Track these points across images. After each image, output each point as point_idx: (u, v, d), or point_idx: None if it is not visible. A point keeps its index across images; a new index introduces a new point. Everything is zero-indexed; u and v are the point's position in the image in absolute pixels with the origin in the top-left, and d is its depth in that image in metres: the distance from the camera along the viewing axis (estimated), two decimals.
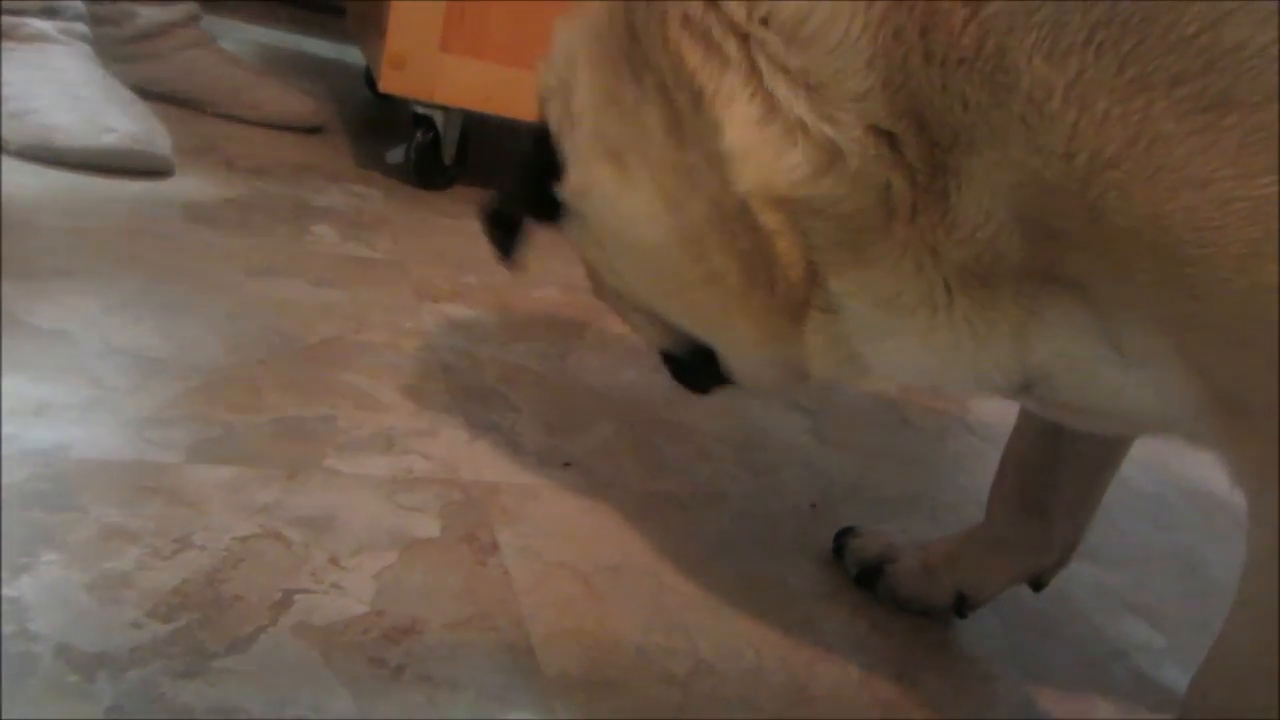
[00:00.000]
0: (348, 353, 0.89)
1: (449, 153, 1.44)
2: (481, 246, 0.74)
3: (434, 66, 1.34)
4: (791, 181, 0.47)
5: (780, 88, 0.46)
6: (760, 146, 0.47)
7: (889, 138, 0.45)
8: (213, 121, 1.47)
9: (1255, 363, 0.39)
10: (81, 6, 1.27)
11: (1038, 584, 0.75)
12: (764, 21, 0.46)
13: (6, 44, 1.18)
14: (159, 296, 0.89)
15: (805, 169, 0.47)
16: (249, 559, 0.59)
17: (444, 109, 1.40)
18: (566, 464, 0.81)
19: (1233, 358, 0.41)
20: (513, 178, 0.71)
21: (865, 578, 0.76)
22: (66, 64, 1.20)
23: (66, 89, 1.16)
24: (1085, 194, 0.40)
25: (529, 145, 0.66)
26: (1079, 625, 0.81)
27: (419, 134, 1.41)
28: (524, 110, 1.30)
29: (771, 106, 0.47)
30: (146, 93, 1.34)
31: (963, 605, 0.74)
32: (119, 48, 1.43)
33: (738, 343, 0.59)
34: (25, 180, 1.06)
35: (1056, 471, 0.69)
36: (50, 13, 1.22)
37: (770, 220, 0.49)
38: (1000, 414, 0.75)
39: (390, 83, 1.34)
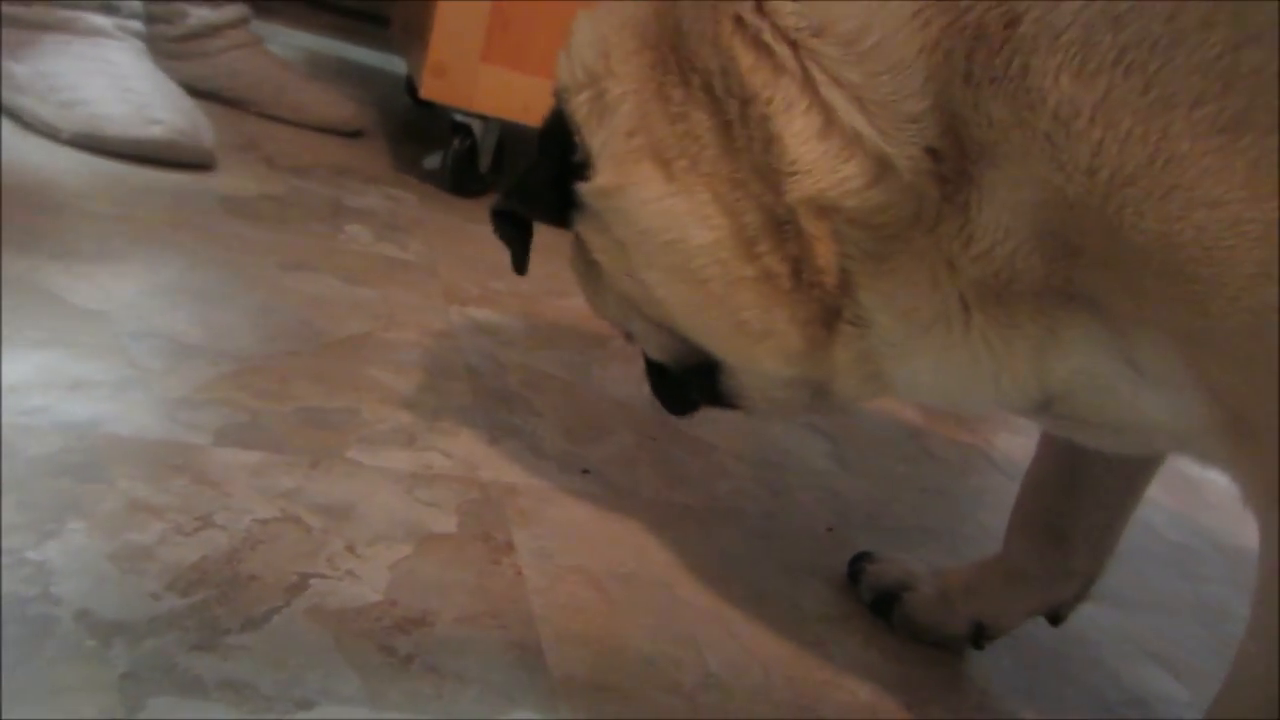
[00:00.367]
0: (375, 349, 0.89)
1: (485, 161, 1.46)
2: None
3: (474, 76, 1.36)
4: (843, 192, 0.47)
5: (837, 100, 0.46)
6: (820, 159, 0.48)
7: (934, 153, 0.46)
8: (256, 120, 1.50)
9: (1262, 382, 0.40)
10: (138, 5, 1.30)
11: (1056, 617, 0.74)
12: (817, 33, 0.47)
13: (64, 36, 1.21)
14: (196, 284, 0.90)
15: (858, 180, 0.47)
16: (268, 541, 0.60)
17: (482, 118, 1.42)
18: (585, 471, 0.82)
19: (1241, 377, 0.41)
20: (521, 175, 0.68)
21: (880, 604, 0.75)
22: (119, 58, 1.23)
23: (118, 81, 1.19)
24: (1104, 210, 0.40)
25: (539, 142, 0.64)
26: (1097, 670, 0.79)
27: (456, 141, 1.43)
28: None
29: (830, 119, 0.47)
30: (194, 90, 1.37)
31: (980, 636, 0.73)
32: (170, 45, 1.46)
33: (761, 357, 0.58)
34: (74, 167, 1.09)
35: (1077, 501, 0.69)
36: (109, 9, 1.26)
37: (813, 226, 0.50)
38: (1025, 450, 0.74)
39: (431, 90, 1.36)
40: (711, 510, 0.83)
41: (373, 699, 0.51)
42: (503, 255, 0.75)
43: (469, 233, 1.30)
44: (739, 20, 0.49)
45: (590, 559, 0.70)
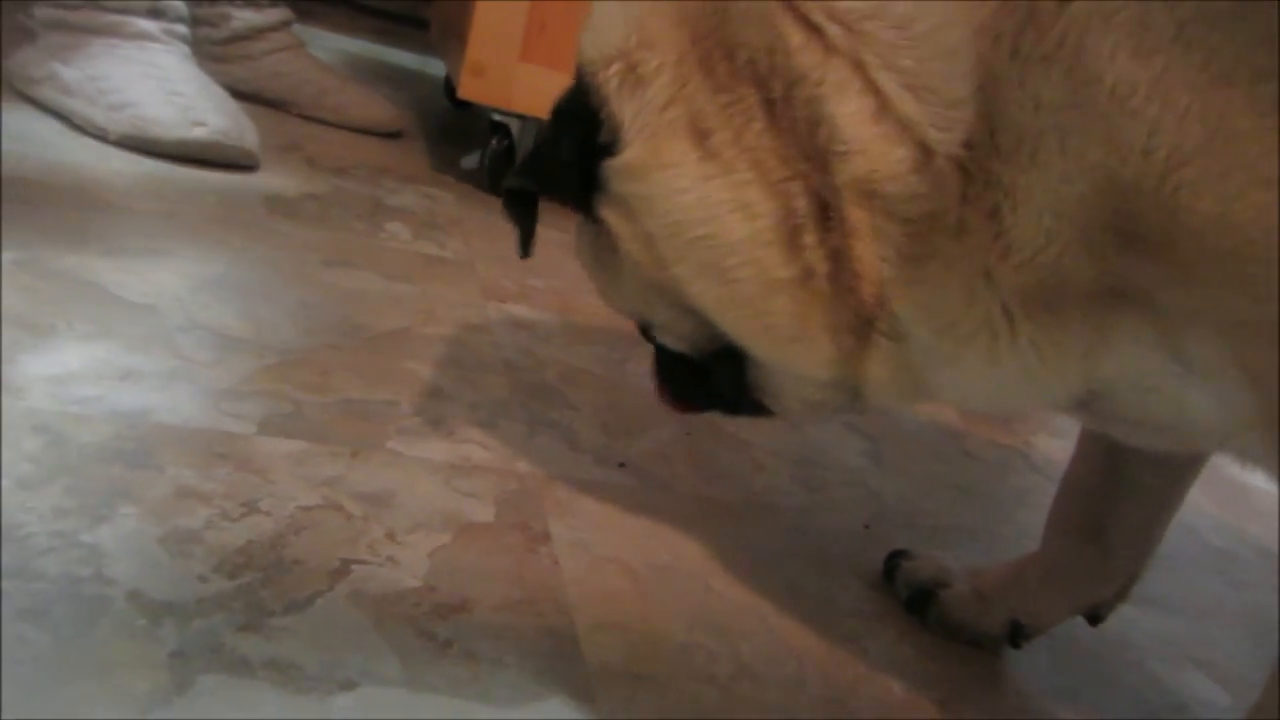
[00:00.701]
0: (414, 344, 0.91)
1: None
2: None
3: (512, 75, 1.38)
4: (892, 175, 0.46)
5: (890, 85, 0.45)
6: (873, 141, 0.46)
7: (968, 146, 0.45)
8: (298, 122, 1.53)
9: None
10: (184, 8, 1.33)
11: (1095, 617, 0.73)
12: (870, 16, 0.46)
13: (111, 40, 1.24)
14: (240, 280, 0.92)
15: (906, 165, 0.46)
16: (311, 527, 0.61)
17: (520, 117, 1.43)
18: (621, 464, 0.82)
19: None
20: (536, 150, 0.63)
21: (916, 602, 0.75)
22: (165, 61, 1.26)
23: (164, 84, 1.22)
24: (1160, 192, 0.39)
25: (553, 119, 0.60)
26: (1138, 673, 0.78)
27: (494, 141, 1.45)
28: None
29: (883, 104, 0.46)
30: (238, 92, 1.40)
31: (1017, 635, 0.72)
32: (214, 48, 1.49)
33: (793, 358, 0.55)
34: (122, 167, 1.11)
35: (1117, 499, 0.68)
36: (155, 13, 1.29)
37: (856, 215, 0.48)
38: (1064, 452, 0.73)
39: (469, 89, 1.38)
40: (747, 505, 0.83)
41: (412, 681, 0.52)
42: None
43: (506, 231, 1.30)
44: None
45: (626, 550, 0.71)
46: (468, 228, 1.28)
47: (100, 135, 1.17)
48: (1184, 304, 0.43)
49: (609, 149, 0.54)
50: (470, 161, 1.59)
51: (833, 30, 0.47)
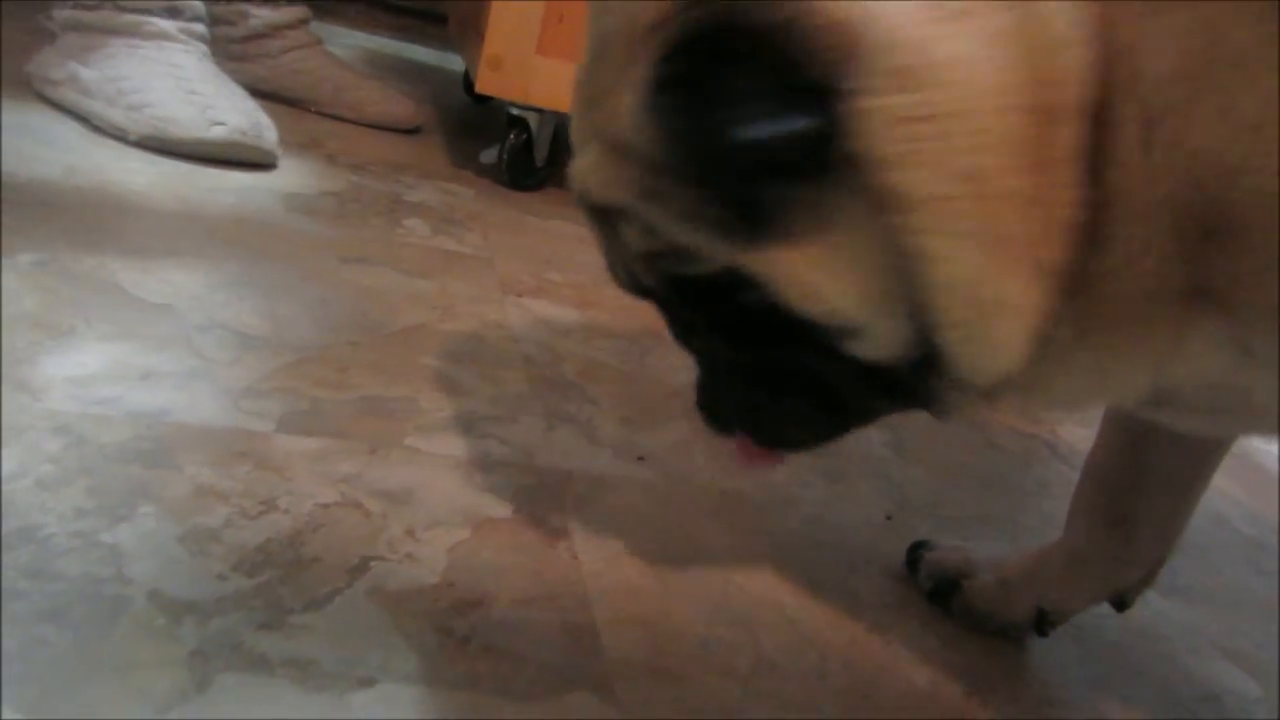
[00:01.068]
0: (432, 339, 0.91)
1: (541, 154, 1.47)
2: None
3: (530, 68, 1.37)
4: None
5: None
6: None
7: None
8: (316, 120, 1.53)
9: None
10: (201, 7, 1.34)
11: (1121, 603, 0.72)
12: None
13: (130, 41, 1.25)
14: (258, 278, 0.93)
15: None
16: (329, 525, 0.61)
17: (538, 111, 1.43)
18: (640, 458, 0.82)
19: None
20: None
21: (939, 592, 0.74)
22: (184, 61, 1.27)
23: (182, 84, 1.23)
24: (1264, 171, 0.37)
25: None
26: (1166, 664, 0.77)
27: (513, 135, 1.44)
28: None
29: None
30: (256, 90, 1.40)
31: (1043, 623, 0.71)
32: (233, 47, 1.50)
33: (992, 333, 0.44)
34: (141, 167, 1.12)
35: (1141, 483, 0.67)
36: (173, 12, 1.29)
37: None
38: (1089, 441, 0.72)
39: (487, 83, 1.37)
40: (767, 498, 0.82)
41: (431, 677, 0.52)
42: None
43: (525, 225, 1.31)
44: None
45: (645, 544, 0.70)
46: (486, 222, 1.28)
47: (120, 136, 1.18)
48: (1258, 294, 0.41)
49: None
50: (489, 156, 1.59)
51: None
